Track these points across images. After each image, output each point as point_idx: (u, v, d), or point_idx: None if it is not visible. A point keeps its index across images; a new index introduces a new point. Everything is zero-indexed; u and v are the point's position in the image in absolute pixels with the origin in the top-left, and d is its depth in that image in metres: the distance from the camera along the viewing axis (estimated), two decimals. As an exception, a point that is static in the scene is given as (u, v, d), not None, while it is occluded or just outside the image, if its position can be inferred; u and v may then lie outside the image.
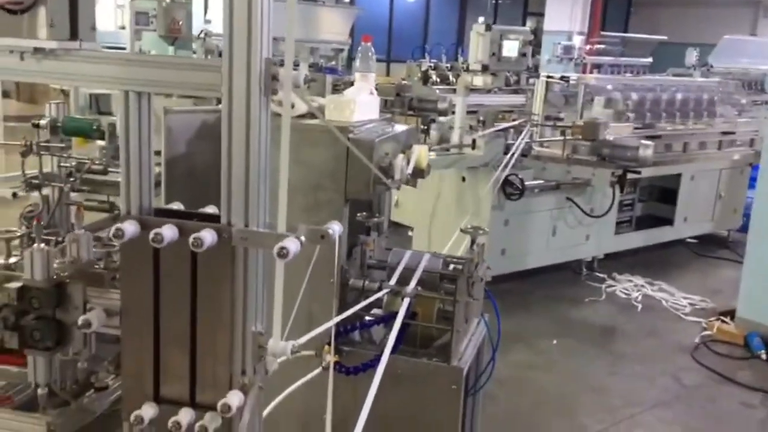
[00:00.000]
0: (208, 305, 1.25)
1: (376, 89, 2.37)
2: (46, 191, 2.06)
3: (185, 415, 1.26)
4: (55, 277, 1.34)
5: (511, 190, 4.49)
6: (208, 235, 1.18)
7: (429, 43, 12.05)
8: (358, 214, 2.23)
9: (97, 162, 2.06)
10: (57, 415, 1.45)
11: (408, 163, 2.08)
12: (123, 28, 6.87)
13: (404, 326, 1.97)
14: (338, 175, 2.05)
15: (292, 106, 1.30)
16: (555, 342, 4.13)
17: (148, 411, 1.28)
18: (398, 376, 2.00)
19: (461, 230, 2.31)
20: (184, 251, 1.20)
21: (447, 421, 2.09)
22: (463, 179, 4.66)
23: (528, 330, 4.21)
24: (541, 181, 4.81)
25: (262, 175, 1.21)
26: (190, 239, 1.16)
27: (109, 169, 2.09)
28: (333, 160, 2.05)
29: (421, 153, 2.14)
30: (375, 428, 1.53)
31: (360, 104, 2.11)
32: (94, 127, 2.08)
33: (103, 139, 2.10)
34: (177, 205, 1.35)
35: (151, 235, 1.18)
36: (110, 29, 7.34)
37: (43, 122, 2.05)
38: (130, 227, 1.21)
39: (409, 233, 5.13)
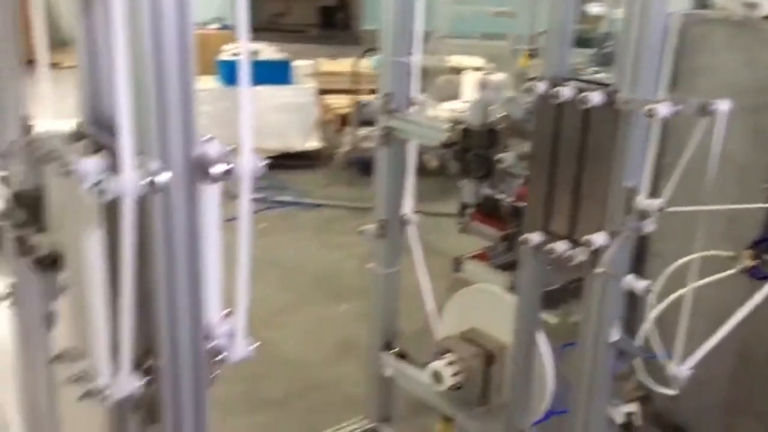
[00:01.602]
0: (592, 157, 1.50)
1: None
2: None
3: (561, 246, 1.56)
4: (489, 124, 1.74)
5: None
6: (596, 96, 1.42)
7: None
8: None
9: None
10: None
11: None
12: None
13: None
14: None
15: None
16: None
17: (536, 237, 1.61)
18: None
19: None
20: (577, 109, 1.46)
21: None
22: None
23: None
24: None
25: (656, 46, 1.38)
26: (581, 96, 1.42)
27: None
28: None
29: None
30: None
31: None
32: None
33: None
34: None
35: (554, 91, 1.46)
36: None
37: None
38: (541, 86, 1.52)
39: None
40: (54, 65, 1.15)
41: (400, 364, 2.19)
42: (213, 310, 1.03)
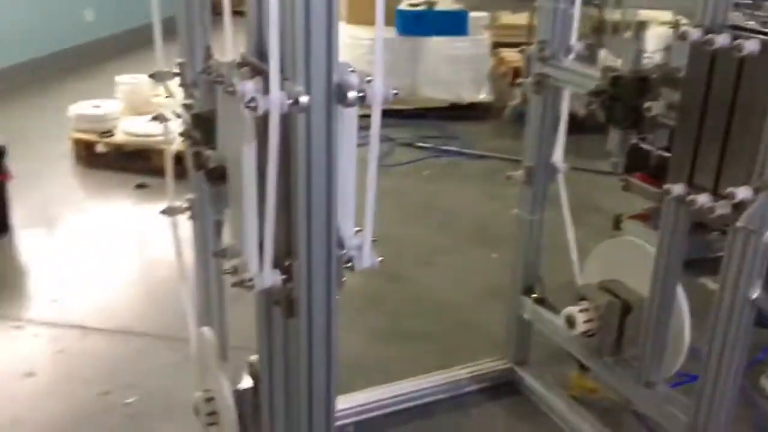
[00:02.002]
0: (744, 108, 1.46)
1: None
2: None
3: (703, 198, 1.54)
4: (641, 71, 1.72)
5: None
6: (752, 44, 1.38)
7: None
8: None
9: None
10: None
11: None
12: None
13: None
14: None
15: None
16: None
17: (678, 188, 1.60)
18: None
19: None
20: (732, 57, 1.42)
21: None
22: None
23: None
24: None
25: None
26: (735, 44, 1.39)
27: None
28: None
29: None
30: None
31: None
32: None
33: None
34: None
35: (707, 38, 1.44)
36: None
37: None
38: (695, 33, 1.49)
39: None
40: (237, 13, 1.31)
41: (538, 308, 2.25)
42: (346, 223, 1.16)
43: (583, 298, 2.00)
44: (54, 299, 2.85)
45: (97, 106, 4.24)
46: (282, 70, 1.03)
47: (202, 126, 1.37)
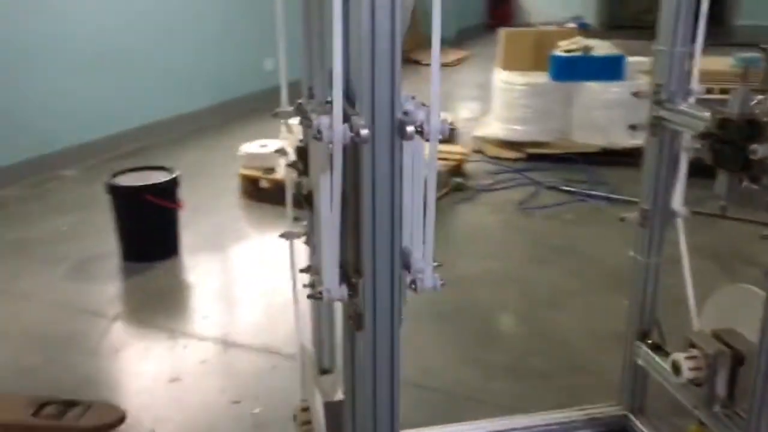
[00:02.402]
0: None
1: None
2: None
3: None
4: (750, 113, 1.69)
5: None
6: None
7: None
8: None
9: None
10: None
11: None
12: None
13: None
14: None
15: None
16: None
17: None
18: None
19: None
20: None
21: None
22: None
23: None
24: None
25: None
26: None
27: None
28: None
29: None
30: None
31: None
32: None
33: None
34: None
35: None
36: None
37: None
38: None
39: None
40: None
41: (652, 354, 2.19)
42: (413, 247, 1.27)
43: (692, 345, 1.94)
44: (206, 315, 3.16)
45: (263, 146, 4.65)
46: (353, 106, 1.17)
47: (303, 157, 1.54)
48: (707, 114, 1.82)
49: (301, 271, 1.53)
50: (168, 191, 3.59)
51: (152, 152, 5.19)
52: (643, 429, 2.28)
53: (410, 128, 1.14)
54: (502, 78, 5.33)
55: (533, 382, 2.63)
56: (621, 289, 3.24)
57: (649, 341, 2.23)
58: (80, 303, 3.25)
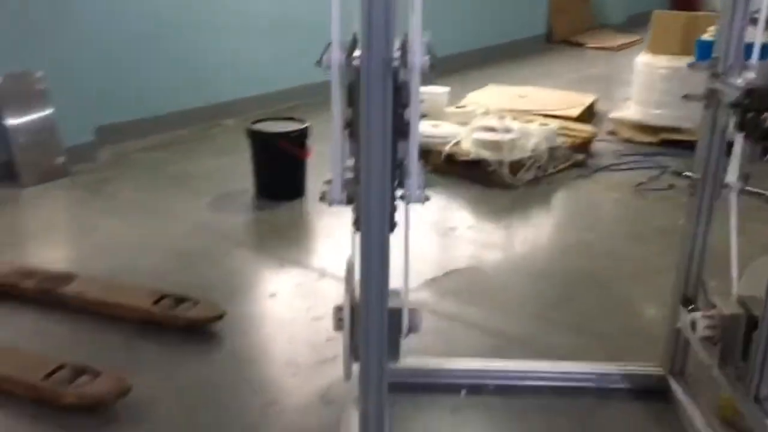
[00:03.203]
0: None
1: None
2: None
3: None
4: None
5: None
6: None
7: None
8: None
9: None
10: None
11: None
12: None
13: None
14: None
15: None
16: None
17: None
18: None
19: None
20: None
21: None
22: None
23: None
24: None
25: None
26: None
27: None
28: None
29: None
30: None
31: None
32: None
33: None
34: None
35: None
36: None
37: None
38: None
39: None
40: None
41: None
42: (410, 171, 1.54)
43: (714, 306, 2.04)
44: (313, 250, 3.58)
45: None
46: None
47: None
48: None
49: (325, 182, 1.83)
50: (299, 139, 4.02)
51: (303, 109, 5.69)
52: (678, 390, 2.38)
53: (395, 63, 1.41)
54: (644, 61, 5.28)
55: (592, 341, 2.76)
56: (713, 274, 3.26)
57: (691, 307, 2.32)
58: (215, 227, 3.78)
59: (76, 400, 2.32)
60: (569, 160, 4.70)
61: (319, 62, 1.46)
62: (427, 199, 1.54)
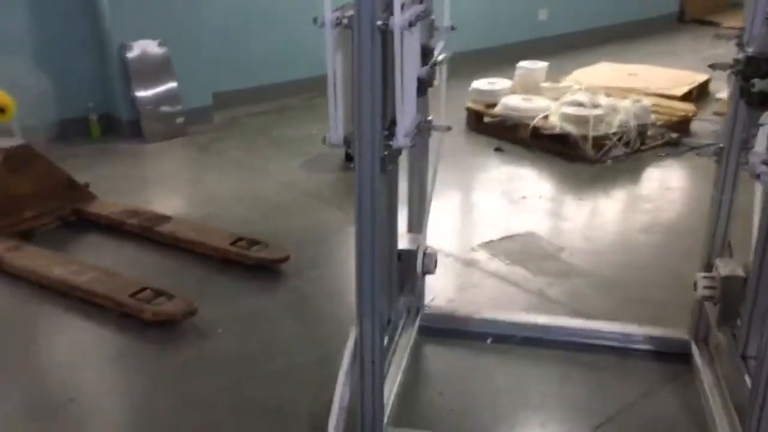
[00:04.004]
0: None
1: None
2: None
3: None
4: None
5: None
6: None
7: None
8: None
9: None
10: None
11: None
12: None
13: None
14: None
15: None
16: None
17: None
18: None
19: None
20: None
21: None
22: None
23: None
24: None
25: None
26: None
27: None
28: None
29: None
30: None
31: None
32: None
33: None
34: None
35: None
36: None
37: None
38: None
39: None
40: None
41: (707, 284, 2.33)
42: (402, 117, 1.75)
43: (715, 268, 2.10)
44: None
45: (492, 83, 5.11)
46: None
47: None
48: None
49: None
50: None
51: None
52: (698, 354, 2.44)
53: (379, 22, 1.63)
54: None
55: (639, 308, 2.82)
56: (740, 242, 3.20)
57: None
58: (302, 185, 4.12)
59: (152, 316, 2.72)
60: (662, 138, 4.66)
61: (315, 20, 1.70)
62: (413, 145, 1.75)
